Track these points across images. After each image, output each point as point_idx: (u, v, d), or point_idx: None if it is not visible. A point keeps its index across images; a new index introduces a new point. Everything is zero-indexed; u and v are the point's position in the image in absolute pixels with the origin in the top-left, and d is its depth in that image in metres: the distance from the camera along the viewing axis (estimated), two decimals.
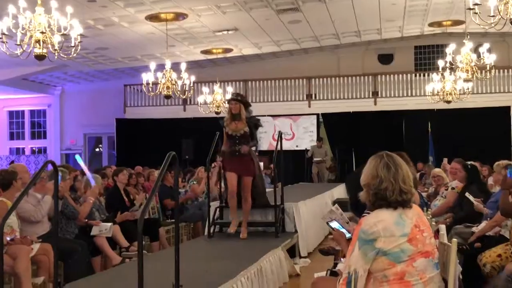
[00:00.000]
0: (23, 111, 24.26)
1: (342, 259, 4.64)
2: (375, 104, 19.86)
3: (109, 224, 7.33)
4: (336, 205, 4.80)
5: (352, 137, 19.34)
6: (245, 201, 7.67)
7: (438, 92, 14.81)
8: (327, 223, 4.07)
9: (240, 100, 7.70)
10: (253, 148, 7.85)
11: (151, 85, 13.65)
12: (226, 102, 8.19)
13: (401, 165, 3.07)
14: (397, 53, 21.33)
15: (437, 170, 9.61)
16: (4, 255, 4.46)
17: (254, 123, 7.71)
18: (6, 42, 8.47)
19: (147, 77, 13.70)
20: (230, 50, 18.77)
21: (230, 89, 18.06)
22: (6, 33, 8.46)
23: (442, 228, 3.59)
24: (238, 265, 5.47)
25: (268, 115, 20.39)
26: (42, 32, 8.41)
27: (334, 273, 4.12)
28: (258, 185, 7.98)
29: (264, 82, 20.72)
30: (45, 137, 24.13)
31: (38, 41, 8.46)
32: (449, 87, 14.35)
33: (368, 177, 3.08)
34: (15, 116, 24.34)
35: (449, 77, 14.19)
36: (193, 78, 14.52)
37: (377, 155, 3.15)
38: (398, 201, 3.00)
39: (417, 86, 19.52)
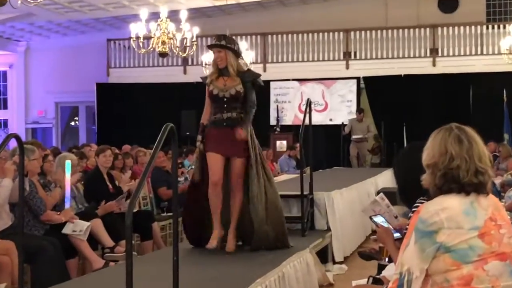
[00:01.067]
0: None
1: (387, 260, 4.67)
2: (434, 65, 19.72)
3: (86, 224, 7.32)
4: (381, 194, 4.82)
5: (404, 108, 19.27)
6: (234, 196, 6.60)
7: None
8: (370, 218, 4.09)
9: (226, 46, 6.53)
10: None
11: (142, 40, 13.65)
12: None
13: (475, 138, 3.06)
14: None
15: None
16: None
17: (250, 80, 6.65)
18: None
19: (136, 29, 13.71)
20: None
21: (244, 45, 18.05)
22: None
23: None
24: (254, 271, 5.51)
25: (294, 80, 20.39)
26: None
27: (377, 281, 4.15)
28: (258, 202, 6.59)
29: (288, 36, 20.63)
30: (5, 107, 24.33)
31: None
32: None
33: (434, 155, 3.06)
34: None
35: None
36: (196, 30, 14.48)
37: (443, 127, 3.13)
38: (474, 183, 3.00)
39: (488, 41, 19.34)
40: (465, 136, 3.05)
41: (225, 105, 6.46)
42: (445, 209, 2.96)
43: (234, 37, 18.47)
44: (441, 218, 2.94)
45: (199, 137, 6.55)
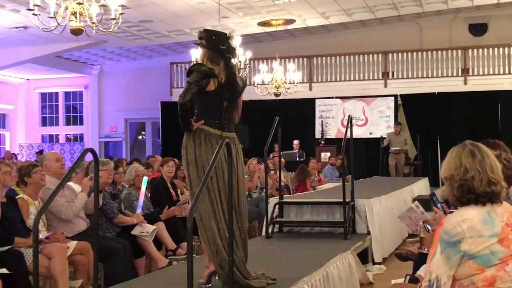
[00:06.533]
0: (56, 93, 24.97)
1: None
2: (465, 83, 19.48)
3: (153, 227, 7.48)
4: (416, 202, 4.80)
5: (437, 123, 19.07)
6: None
7: None
8: (423, 224, 4.10)
9: None
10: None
11: None
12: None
13: (487, 152, 3.08)
14: (492, 23, 20.83)
15: None
16: (39, 255, 4.65)
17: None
18: (39, 14, 8.71)
19: (196, 53, 13.84)
20: (292, 22, 18.74)
21: (291, 67, 18.11)
22: (39, 3, 8.70)
23: None
24: (301, 270, 5.51)
25: (337, 97, 20.36)
26: (79, 3, 8.64)
27: (414, 280, 4.13)
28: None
29: (331, 58, 20.63)
30: (81, 123, 24.79)
31: (74, 13, 8.70)
32: None
33: (450, 168, 3.08)
34: (47, 99, 25.07)
35: None
36: (249, 54, 14.59)
37: (458, 145, 3.17)
38: (487, 192, 2.99)
39: None
40: (478, 150, 3.06)
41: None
42: (466, 220, 2.96)
43: (282, 59, 18.59)
44: (463, 229, 2.94)
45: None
